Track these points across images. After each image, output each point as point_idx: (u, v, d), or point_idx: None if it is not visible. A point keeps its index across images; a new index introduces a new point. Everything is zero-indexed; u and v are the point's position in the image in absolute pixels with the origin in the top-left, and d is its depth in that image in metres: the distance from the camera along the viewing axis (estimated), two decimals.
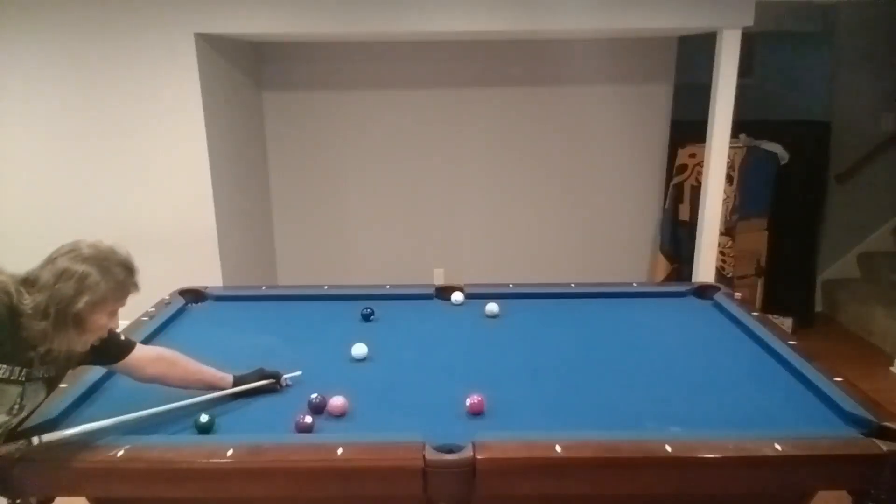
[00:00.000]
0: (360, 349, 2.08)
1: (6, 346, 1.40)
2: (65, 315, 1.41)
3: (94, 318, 1.46)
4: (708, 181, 3.45)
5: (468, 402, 1.72)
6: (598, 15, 3.13)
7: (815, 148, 4.28)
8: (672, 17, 3.15)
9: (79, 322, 1.44)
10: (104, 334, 1.55)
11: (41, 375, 1.50)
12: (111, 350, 1.64)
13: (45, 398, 1.57)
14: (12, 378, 1.42)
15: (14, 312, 1.39)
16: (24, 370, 1.45)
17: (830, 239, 4.65)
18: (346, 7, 3.11)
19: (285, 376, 1.90)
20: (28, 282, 1.43)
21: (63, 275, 1.42)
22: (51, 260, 1.45)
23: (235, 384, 1.82)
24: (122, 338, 1.70)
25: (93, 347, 1.55)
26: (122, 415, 1.61)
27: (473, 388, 1.77)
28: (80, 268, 1.43)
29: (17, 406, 1.46)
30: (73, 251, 1.46)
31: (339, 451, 1.49)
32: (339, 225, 4.34)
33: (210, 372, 1.81)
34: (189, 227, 3.37)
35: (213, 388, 1.79)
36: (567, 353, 2.11)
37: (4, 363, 1.41)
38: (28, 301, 1.40)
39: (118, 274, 1.49)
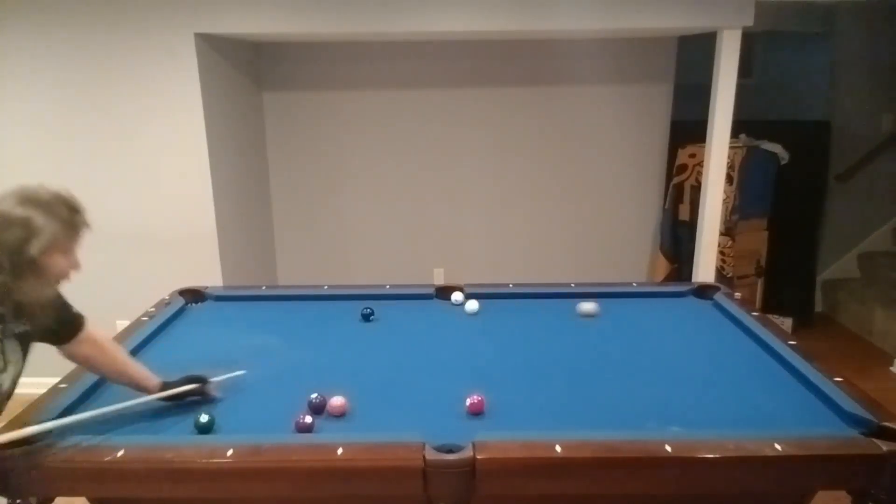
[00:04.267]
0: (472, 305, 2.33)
1: None
2: (20, 263, 1.37)
3: (50, 261, 1.42)
4: (708, 181, 3.46)
5: (468, 402, 1.72)
6: (598, 15, 3.13)
7: (815, 148, 4.29)
8: (672, 17, 3.15)
9: (35, 268, 1.40)
10: (68, 277, 1.51)
11: (15, 331, 1.48)
12: (67, 320, 1.63)
13: (25, 359, 1.54)
14: None
15: None
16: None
17: (830, 239, 4.66)
18: (346, 7, 3.11)
19: (214, 380, 1.81)
20: None
21: (4, 223, 1.37)
22: None
23: (163, 388, 1.73)
24: (75, 310, 1.66)
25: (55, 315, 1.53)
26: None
27: (473, 388, 1.77)
28: (21, 212, 1.39)
29: (1, 362, 1.44)
30: (8, 198, 1.41)
31: (339, 451, 1.49)
32: (339, 225, 4.34)
33: (138, 370, 1.75)
34: (189, 227, 3.37)
35: (138, 387, 1.73)
36: (567, 353, 2.11)
37: None
38: None
39: (62, 213, 1.44)
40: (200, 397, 1.78)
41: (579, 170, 4.24)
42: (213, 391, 1.81)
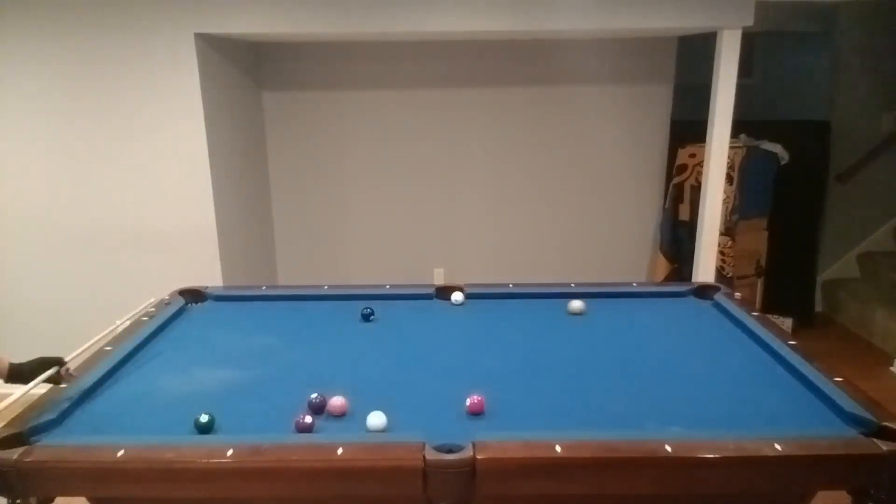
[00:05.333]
0: (377, 419, 1.65)
1: None
2: None
3: None
4: (708, 181, 3.46)
5: (468, 402, 1.72)
6: (598, 15, 3.13)
7: (815, 148, 4.29)
8: (672, 17, 3.15)
9: None
10: None
11: None
12: None
13: None
14: None
15: None
16: None
17: (830, 239, 4.66)
18: (346, 7, 3.11)
19: (70, 357, 1.79)
20: None
21: None
22: None
23: (11, 371, 1.69)
24: None
25: None
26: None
27: (473, 388, 1.77)
28: None
29: None
30: None
31: (339, 451, 1.49)
32: (339, 225, 4.34)
33: None
34: (189, 226, 3.37)
35: None
36: (567, 353, 2.11)
37: None
38: None
39: None
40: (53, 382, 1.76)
41: (579, 170, 4.24)
42: (69, 375, 1.79)
